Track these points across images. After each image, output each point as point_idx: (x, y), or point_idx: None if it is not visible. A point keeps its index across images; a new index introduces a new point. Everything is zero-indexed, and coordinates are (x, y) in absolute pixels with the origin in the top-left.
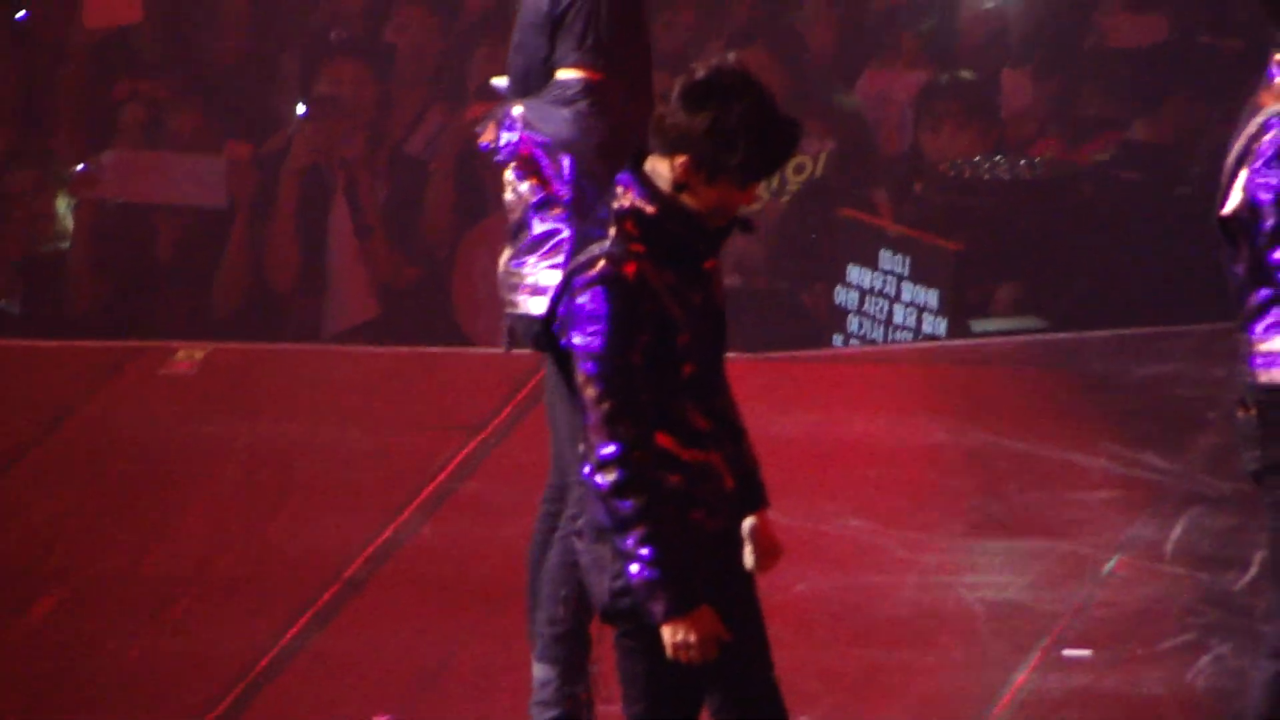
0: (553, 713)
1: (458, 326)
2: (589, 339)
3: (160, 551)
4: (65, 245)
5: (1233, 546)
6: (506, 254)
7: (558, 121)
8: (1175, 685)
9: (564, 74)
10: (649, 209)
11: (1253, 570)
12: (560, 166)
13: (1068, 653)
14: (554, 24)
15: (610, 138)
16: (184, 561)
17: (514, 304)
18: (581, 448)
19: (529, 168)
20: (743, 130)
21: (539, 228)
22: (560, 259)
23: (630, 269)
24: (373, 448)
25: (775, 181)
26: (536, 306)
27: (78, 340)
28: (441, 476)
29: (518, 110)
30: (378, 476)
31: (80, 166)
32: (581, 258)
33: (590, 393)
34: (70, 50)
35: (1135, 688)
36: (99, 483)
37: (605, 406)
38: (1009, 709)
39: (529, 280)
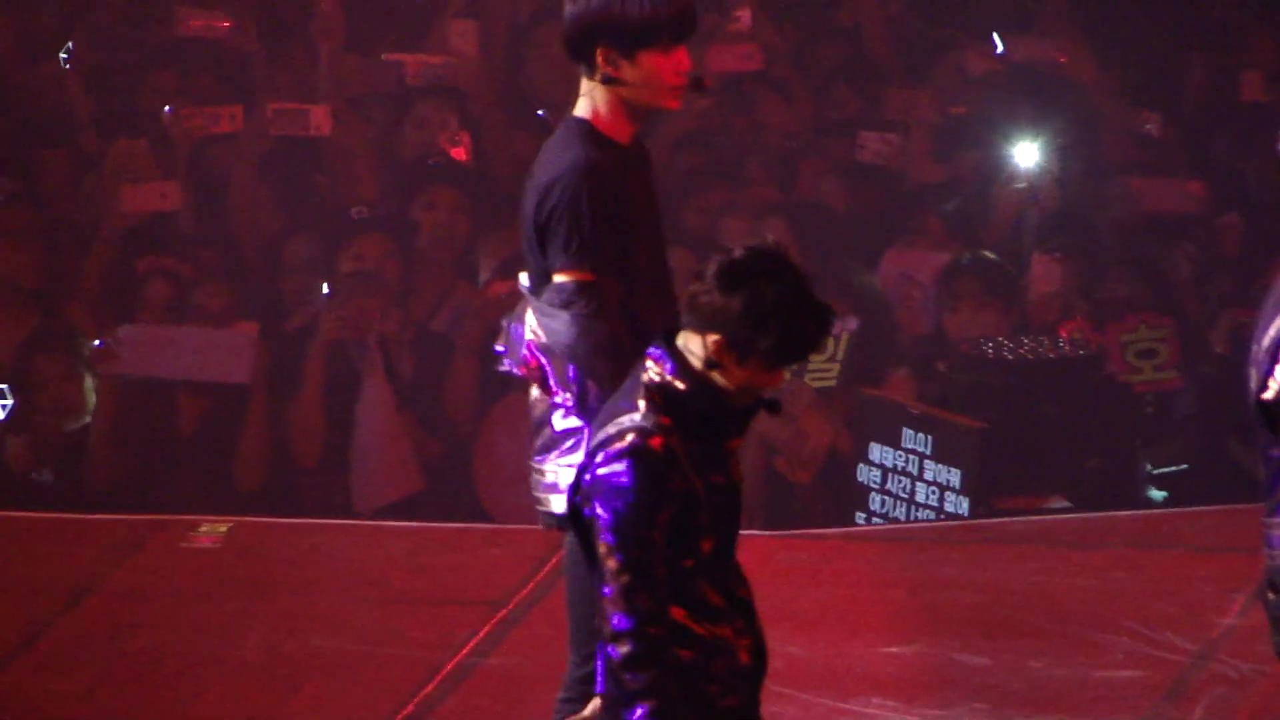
0: None
1: (479, 502)
2: (612, 511)
3: None
4: (87, 420)
5: None
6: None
7: (558, 326)
8: None
9: (558, 278)
10: (679, 384)
11: None
12: (564, 371)
13: None
14: (541, 232)
15: (611, 336)
16: None
17: (538, 500)
18: (595, 620)
19: (535, 375)
20: (776, 313)
21: (559, 424)
22: (580, 457)
23: (658, 443)
24: (394, 623)
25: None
26: (557, 505)
27: (100, 514)
28: (463, 653)
29: (528, 317)
30: (398, 652)
31: (97, 343)
32: (610, 429)
33: (610, 564)
34: (103, 231)
35: None
36: (120, 658)
37: (624, 579)
38: None
39: (549, 478)
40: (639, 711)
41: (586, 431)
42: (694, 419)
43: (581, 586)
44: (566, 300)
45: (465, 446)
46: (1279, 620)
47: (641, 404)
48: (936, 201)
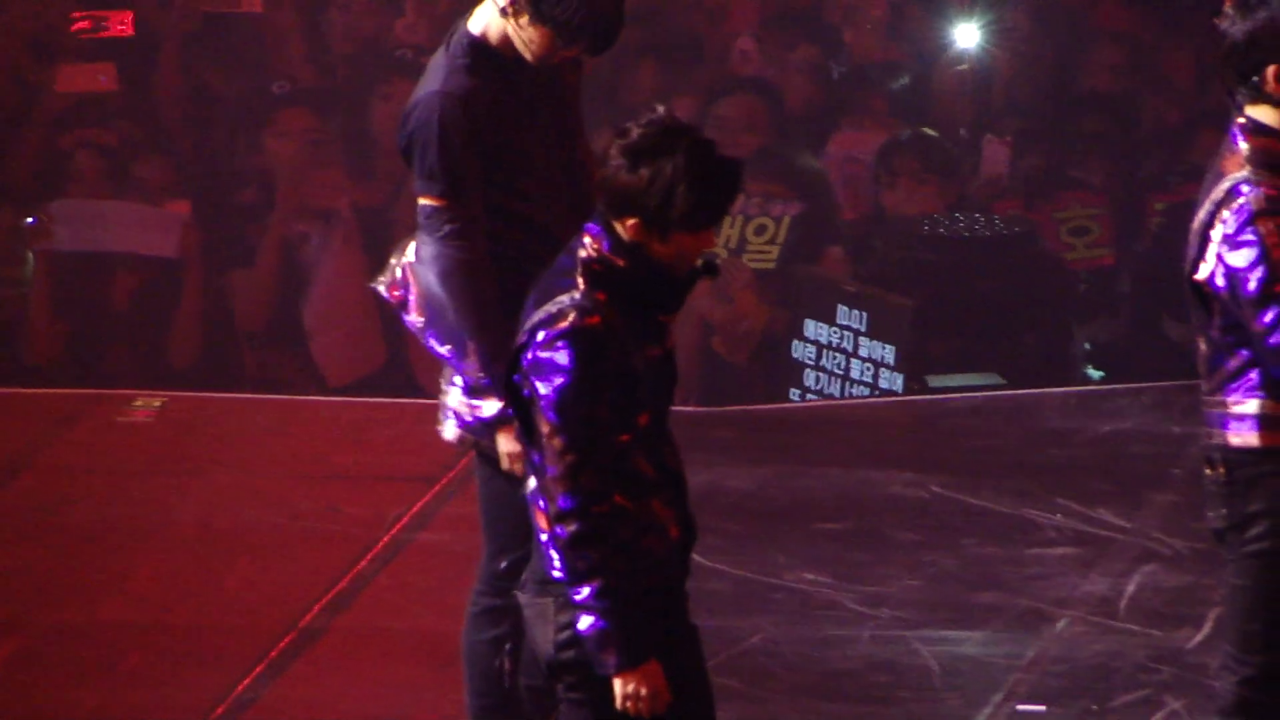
0: None
1: (413, 378)
2: (556, 391)
3: (115, 602)
4: (23, 292)
5: (1186, 604)
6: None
7: (423, 249)
8: None
9: (419, 200)
10: (619, 261)
11: (1206, 628)
12: (420, 292)
13: (1022, 708)
14: (405, 152)
15: (456, 263)
16: (139, 612)
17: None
18: (540, 500)
19: (397, 299)
20: (681, 182)
21: (437, 348)
22: (452, 377)
23: (597, 321)
24: (329, 498)
25: (734, 241)
26: (449, 432)
27: (35, 389)
28: (396, 529)
29: (412, 243)
30: (334, 527)
31: (30, 219)
32: (549, 308)
33: (555, 444)
34: (36, 112)
35: None
36: (55, 533)
37: (570, 459)
38: None
39: (443, 397)
40: (586, 590)
41: (451, 359)
42: (631, 294)
43: (491, 485)
44: (424, 224)
45: (398, 322)
46: (1214, 495)
47: (580, 281)
48: (882, 81)
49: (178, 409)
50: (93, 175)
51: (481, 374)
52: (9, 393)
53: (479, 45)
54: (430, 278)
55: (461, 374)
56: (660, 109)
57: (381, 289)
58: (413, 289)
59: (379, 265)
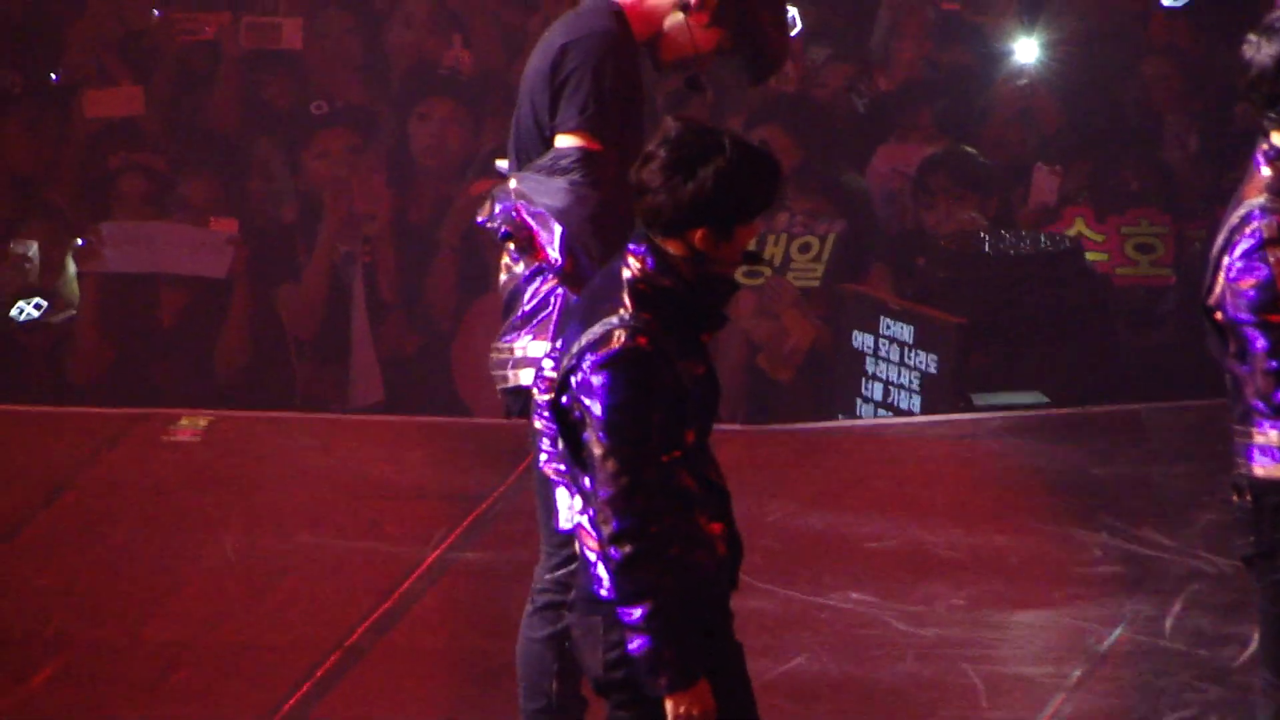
0: None
1: (459, 397)
2: (608, 413)
3: (161, 620)
4: (71, 313)
5: (1232, 624)
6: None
7: (552, 191)
8: None
9: (562, 141)
10: (665, 281)
11: (1251, 648)
12: (553, 235)
13: None
14: (555, 91)
15: (602, 209)
16: (185, 630)
17: (504, 379)
18: (588, 520)
19: (522, 236)
20: (741, 172)
21: (529, 302)
22: (548, 333)
23: (645, 341)
24: (375, 516)
25: (779, 259)
26: (526, 377)
27: (80, 407)
28: (441, 548)
29: (513, 184)
30: (380, 545)
31: (80, 241)
32: (596, 330)
33: (609, 466)
34: (71, 131)
35: None
36: (100, 550)
37: (624, 481)
38: None
39: (518, 353)
40: (639, 611)
41: (558, 301)
42: (677, 312)
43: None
44: (566, 166)
45: (444, 341)
46: (1242, 523)
47: (626, 300)
48: (928, 97)
49: (223, 428)
50: (136, 197)
51: None
52: (54, 411)
53: (620, 13)
54: (573, 221)
55: None
56: (669, 121)
57: (499, 228)
58: (540, 233)
59: (419, 285)
